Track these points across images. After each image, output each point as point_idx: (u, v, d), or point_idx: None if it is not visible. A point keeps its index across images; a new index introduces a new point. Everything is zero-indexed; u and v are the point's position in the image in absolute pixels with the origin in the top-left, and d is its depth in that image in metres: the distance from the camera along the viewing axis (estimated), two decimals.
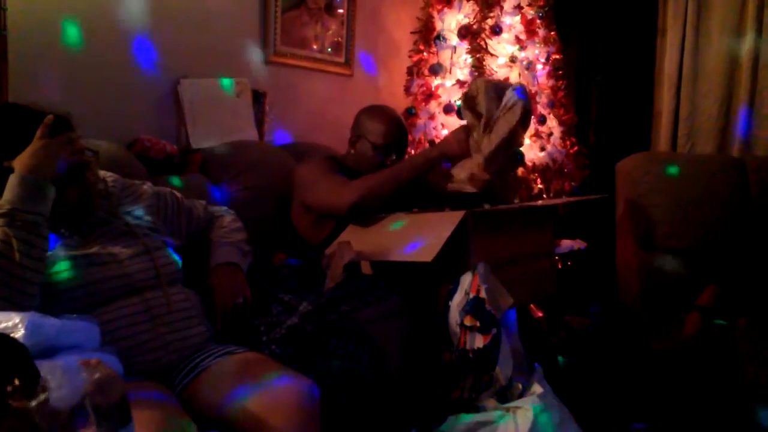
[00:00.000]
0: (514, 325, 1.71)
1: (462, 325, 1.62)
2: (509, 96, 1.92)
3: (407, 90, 3.16)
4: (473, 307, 1.61)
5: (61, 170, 1.28)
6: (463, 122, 2.01)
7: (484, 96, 1.92)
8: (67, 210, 1.36)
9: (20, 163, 1.24)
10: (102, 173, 1.54)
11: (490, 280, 1.67)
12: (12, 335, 0.97)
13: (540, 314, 2.51)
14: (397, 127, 2.12)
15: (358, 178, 1.98)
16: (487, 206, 1.92)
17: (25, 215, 1.20)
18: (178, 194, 1.71)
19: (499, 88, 1.98)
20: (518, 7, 3.01)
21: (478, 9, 2.95)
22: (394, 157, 2.09)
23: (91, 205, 1.43)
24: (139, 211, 1.53)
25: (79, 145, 1.35)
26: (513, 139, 1.91)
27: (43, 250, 1.24)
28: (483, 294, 1.62)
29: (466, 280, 1.67)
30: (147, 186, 1.65)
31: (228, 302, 1.52)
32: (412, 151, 3.12)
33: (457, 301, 1.67)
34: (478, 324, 1.60)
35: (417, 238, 1.74)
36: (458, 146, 1.92)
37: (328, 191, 1.96)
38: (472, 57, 2.93)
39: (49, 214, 1.26)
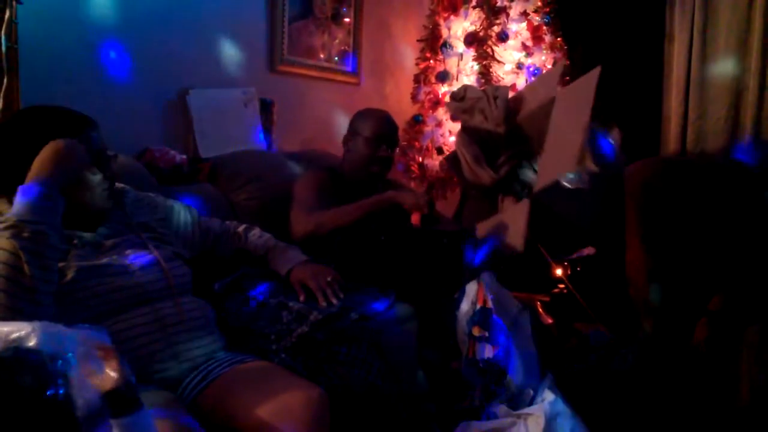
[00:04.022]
0: (527, 328, 1.70)
1: (470, 335, 1.62)
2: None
3: (414, 98, 3.17)
4: (481, 317, 1.61)
5: (72, 177, 1.29)
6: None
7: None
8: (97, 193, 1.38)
9: (30, 172, 1.25)
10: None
11: (496, 289, 1.67)
12: (24, 345, 0.98)
13: (550, 321, 2.50)
14: (385, 121, 2.28)
15: (343, 191, 2.15)
16: None
17: (31, 226, 1.20)
18: (194, 210, 1.73)
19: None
20: (524, 14, 3.01)
21: (484, 16, 2.96)
22: (385, 147, 2.22)
23: (112, 197, 1.44)
24: (152, 223, 1.54)
25: (94, 150, 1.37)
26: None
27: (53, 259, 1.24)
28: (490, 304, 1.62)
29: (472, 289, 1.67)
30: (161, 199, 1.66)
31: (322, 281, 1.62)
32: (420, 158, 3.13)
33: (464, 310, 1.67)
34: (486, 334, 1.60)
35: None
36: (414, 200, 2.02)
37: (293, 215, 2.08)
38: (478, 64, 2.94)
39: (59, 223, 1.26)
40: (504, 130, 2.34)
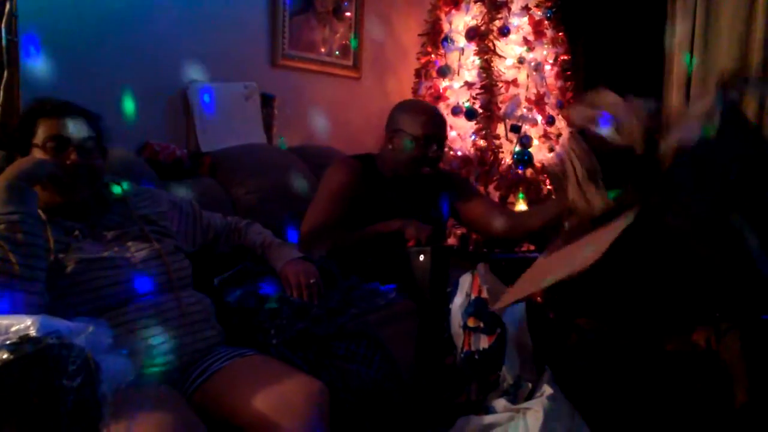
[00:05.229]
0: (523, 320, 1.69)
1: (465, 327, 1.61)
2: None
3: (415, 92, 3.16)
4: (476, 308, 1.61)
5: (44, 175, 1.31)
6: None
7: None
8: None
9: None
10: (115, 179, 1.56)
11: (490, 280, 1.66)
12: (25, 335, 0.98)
13: (550, 316, 2.49)
14: (434, 117, 2.07)
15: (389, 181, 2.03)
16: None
17: (4, 216, 1.21)
18: (196, 205, 1.72)
19: None
20: (526, 8, 3.01)
21: (485, 10, 2.95)
22: (435, 148, 2.02)
23: (91, 186, 1.44)
24: (153, 216, 1.54)
25: (74, 158, 1.37)
26: None
27: (36, 246, 1.24)
28: (485, 294, 1.62)
29: (466, 281, 1.67)
30: (163, 192, 1.66)
31: (303, 280, 1.61)
32: None
33: (458, 303, 1.66)
34: (481, 325, 1.60)
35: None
36: (414, 235, 1.87)
37: (308, 211, 1.99)
38: (480, 58, 2.93)
39: (35, 210, 1.27)
40: (640, 151, 1.67)
